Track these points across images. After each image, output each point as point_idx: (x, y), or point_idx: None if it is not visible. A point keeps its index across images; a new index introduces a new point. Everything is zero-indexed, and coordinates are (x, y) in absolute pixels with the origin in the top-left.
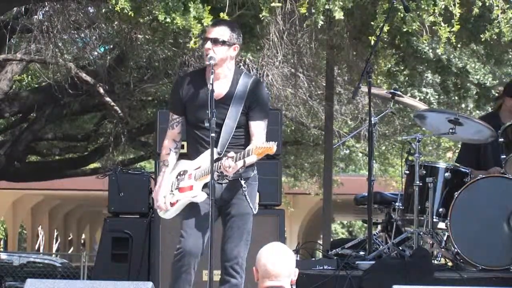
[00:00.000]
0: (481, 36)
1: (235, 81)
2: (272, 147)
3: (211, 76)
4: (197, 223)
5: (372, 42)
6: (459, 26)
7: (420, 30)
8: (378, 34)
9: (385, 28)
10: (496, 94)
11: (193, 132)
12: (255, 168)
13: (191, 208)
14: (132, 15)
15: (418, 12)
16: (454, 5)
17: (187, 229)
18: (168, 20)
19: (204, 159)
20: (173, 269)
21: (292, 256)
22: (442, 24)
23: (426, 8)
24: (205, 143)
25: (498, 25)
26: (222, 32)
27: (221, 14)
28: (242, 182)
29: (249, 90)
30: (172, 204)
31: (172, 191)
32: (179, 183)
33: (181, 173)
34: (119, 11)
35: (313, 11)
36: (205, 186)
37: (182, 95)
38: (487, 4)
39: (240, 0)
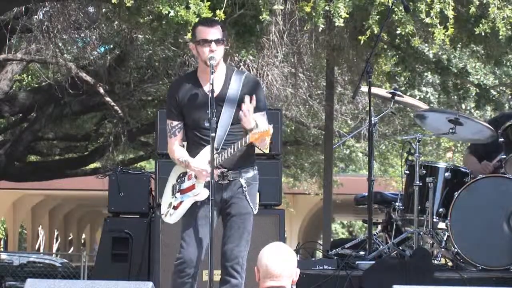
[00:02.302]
0: (475, 29)
1: (228, 78)
2: (268, 129)
3: (211, 76)
4: (196, 232)
5: (362, 42)
6: (452, 30)
7: (416, 31)
8: (377, 35)
9: (378, 29)
10: (497, 94)
11: (192, 134)
12: (256, 167)
13: (191, 216)
14: (130, 5)
15: (416, 5)
16: (448, 8)
17: (186, 238)
18: (172, 14)
19: (202, 157)
20: (173, 278)
21: (293, 257)
22: (438, 26)
23: (421, 8)
24: (204, 143)
25: (493, 20)
26: (219, 32)
27: (218, 12)
28: (243, 181)
29: (242, 85)
30: (175, 208)
31: (174, 194)
32: (180, 186)
33: (181, 175)
34: (116, 2)
35: (313, 14)
36: (206, 184)
37: (178, 100)
38: (485, 1)
39: (240, 0)
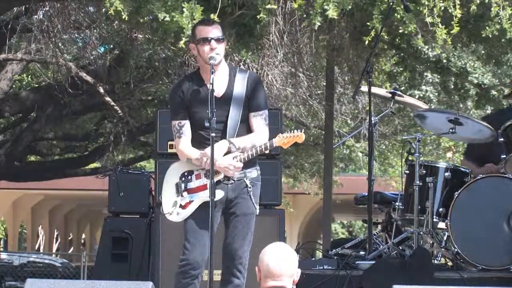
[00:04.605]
0: (482, 33)
1: (232, 77)
2: (301, 135)
3: (211, 76)
4: (201, 233)
5: (367, 43)
6: (458, 28)
7: (418, 31)
8: (377, 34)
9: (383, 29)
10: (496, 94)
11: (197, 133)
12: (258, 168)
13: (194, 216)
14: (126, 19)
15: (418, 8)
16: (454, 6)
17: (191, 240)
18: (167, 18)
19: (221, 153)
20: (177, 279)
21: (295, 257)
22: (440, 25)
23: (426, 3)
24: (210, 142)
25: (499, 21)
26: (219, 30)
27: (212, 15)
28: (247, 182)
29: (247, 83)
30: (183, 207)
31: (180, 193)
32: (186, 185)
33: (186, 174)
34: (113, 13)
35: (310, 12)
36: (217, 184)
37: (184, 98)
38: (486, 1)
39: (240, 0)
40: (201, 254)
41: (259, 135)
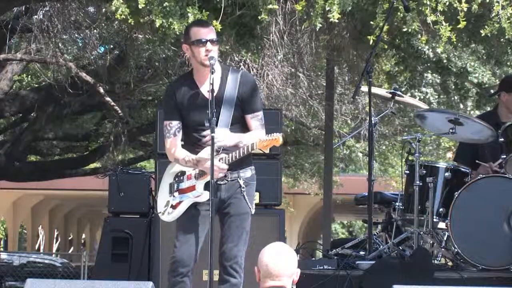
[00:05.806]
0: (481, 32)
1: (224, 78)
2: (278, 138)
3: (211, 76)
4: (190, 231)
5: (371, 42)
6: (465, 23)
7: (420, 30)
8: (378, 34)
9: (385, 28)
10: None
11: (191, 135)
12: (253, 168)
13: (186, 215)
14: (133, 23)
15: (420, 8)
16: (459, 1)
17: (180, 237)
18: (165, 25)
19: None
20: (168, 277)
21: (294, 257)
22: (444, 23)
23: (428, 3)
24: (202, 144)
25: (498, 20)
26: (213, 32)
27: (215, 22)
28: (241, 182)
29: (239, 84)
30: (174, 207)
31: (172, 193)
32: (178, 185)
33: (179, 174)
34: (119, 18)
35: (311, 13)
36: (206, 185)
37: (177, 101)
38: (487, 0)
39: (240, 0)
40: (188, 252)
41: (252, 136)
